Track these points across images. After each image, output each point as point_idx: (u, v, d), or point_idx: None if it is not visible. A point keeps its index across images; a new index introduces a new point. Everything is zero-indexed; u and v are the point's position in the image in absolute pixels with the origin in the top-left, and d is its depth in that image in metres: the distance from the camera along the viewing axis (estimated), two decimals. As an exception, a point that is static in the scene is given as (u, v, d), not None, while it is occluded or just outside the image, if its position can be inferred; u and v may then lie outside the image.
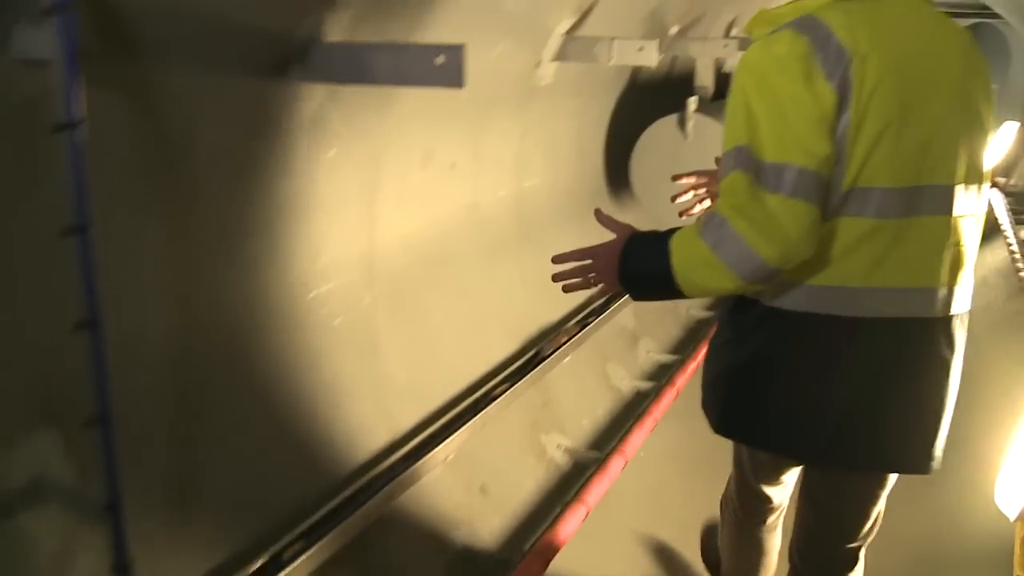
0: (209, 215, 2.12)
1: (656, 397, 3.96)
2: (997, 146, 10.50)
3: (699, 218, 1.73)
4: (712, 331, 2.10)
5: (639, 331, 4.80)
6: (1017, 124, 10.77)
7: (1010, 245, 6.77)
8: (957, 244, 1.75)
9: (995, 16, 11.07)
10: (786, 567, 2.24)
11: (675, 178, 2.31)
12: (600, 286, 1.87)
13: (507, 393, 3.21)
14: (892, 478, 1.97)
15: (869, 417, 1.80)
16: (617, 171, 5.04)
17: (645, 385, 4.33)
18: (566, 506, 2.99)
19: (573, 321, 4.12)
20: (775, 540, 2.37)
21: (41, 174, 1.68)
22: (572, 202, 4.58)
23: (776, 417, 1.87)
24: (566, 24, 3.54)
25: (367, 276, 2.85)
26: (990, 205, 7.95)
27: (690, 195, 2.32)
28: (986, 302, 6.12)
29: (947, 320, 1.78)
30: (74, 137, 1.56)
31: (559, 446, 3.58)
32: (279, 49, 2.12)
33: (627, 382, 4.34)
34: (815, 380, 1.80)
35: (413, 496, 2.60)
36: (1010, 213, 7.68)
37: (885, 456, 1.86)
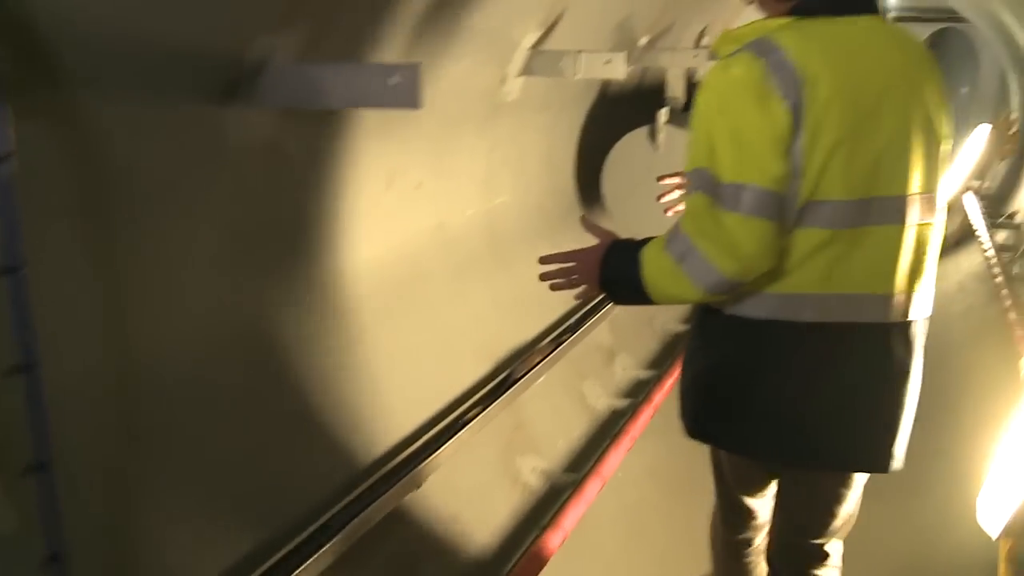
0: (152, 248, 2.03)
1: (633, 415, 3.93)
2: (970, 151, 10.57)
3: (668, 230, 1.83)
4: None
5: (616, 347, 4.75)
6: (989, 127, 10.86)
7: (986, 250, 6.76)
8: (913, 252, 1.82)
9: (963, 20, 11.18)
10: None
11: (660, 178, 2.41)
12: (583, 287, 1.97)
13: (480, 417, 3.14)
14: (858, 477, 2.03)
15: (827, 417, 1.87)
16: (589, 185, 5.02)
17: (622, 403, 4.28)
18: (542, 531, 2.95)
19: (547, 340, 4.05)
20: (764, 566, 2.35)
21: (-32, 212, 1.60)
22: (543, 218, 4.53)
23: (741, 420, 1.94)
24: (532, 38, 3.49)
25: (329, 303, 2.77)
26: (964, 210, 7.96)
27: (676, 194, 2.40)
28: (965, 307, 6.12)
29: (905, 325, 1.85)
30: (2, 172, 1.50)
31: (534, 469, 3.51)
32: (226, 73, 2.04)
33: (603, 400, 4.29)
34: (776, 384, 1.88)
35: (382, 528, 2.52)
36: (985, 217, 7.68)
37: (843, 455, 1.93)
